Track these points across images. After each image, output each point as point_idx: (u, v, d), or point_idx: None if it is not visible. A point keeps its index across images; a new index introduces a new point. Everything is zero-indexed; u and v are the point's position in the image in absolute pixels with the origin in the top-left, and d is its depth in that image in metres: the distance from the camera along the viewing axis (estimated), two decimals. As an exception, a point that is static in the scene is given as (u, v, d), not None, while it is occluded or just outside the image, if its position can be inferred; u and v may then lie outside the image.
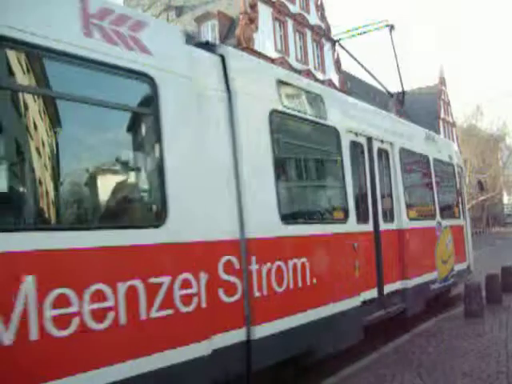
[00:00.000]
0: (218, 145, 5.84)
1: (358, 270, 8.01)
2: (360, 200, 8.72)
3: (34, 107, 4.34)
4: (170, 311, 4.85)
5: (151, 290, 4.70)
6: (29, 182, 4.27)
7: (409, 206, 10.27)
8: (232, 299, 5.65)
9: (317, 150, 7.99)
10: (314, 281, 6.90)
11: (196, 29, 33.08)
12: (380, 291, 8.95)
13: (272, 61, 32.14)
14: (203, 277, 5.21)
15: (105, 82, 4.87)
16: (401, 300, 9.61)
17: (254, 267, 5.91)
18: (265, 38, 32.43)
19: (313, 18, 39.14)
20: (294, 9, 36.59)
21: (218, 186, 5.72)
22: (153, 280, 4.73)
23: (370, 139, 9.18)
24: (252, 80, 6.55)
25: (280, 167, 6.82)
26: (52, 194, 4.40)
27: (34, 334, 3.83)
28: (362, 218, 8.61)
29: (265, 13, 32.94)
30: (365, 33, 12.83)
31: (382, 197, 9.50)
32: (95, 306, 4.22)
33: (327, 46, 39.56)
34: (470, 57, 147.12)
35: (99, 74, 4.72)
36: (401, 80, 14.20)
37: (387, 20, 12.21)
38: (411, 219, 10.21)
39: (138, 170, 5.31)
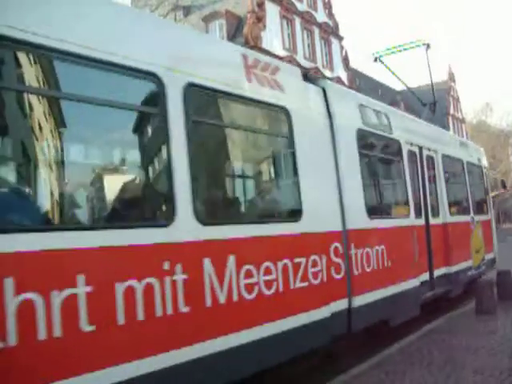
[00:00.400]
0: (328, 158, 7.64)
1: (417, 257, 9.70)
2: (416, 198, 10.26)
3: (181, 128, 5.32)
4: (305, 283, 6.53)
5: (296, 267, 6.37)
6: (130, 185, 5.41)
7: (449, 204, 11.89)
8: (339, 276, 7.33)
9: (386, 159, 9.89)
10: (390, 264, 8.56)
11: (204, 28, 33.09)
12: (431, 275, 10.55)
13: (280, 59, 32.08)
14: (323, 258, 6.93)
15: (258, 113, 6.81)
16: (446, 283, 11.15)
17: (353, 252, 7.65)
18: (272, 37, 32.39)
19: (320, 16, 39.06)
20: (302, 7, 36.52)
21: (328, 192, 7.50)
22: (296, 260, 6.40)
23: (420, 148, 10.87)
24: (343, 105, 8.30)
25: (364, 174, 8.53)
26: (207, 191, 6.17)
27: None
28: (417, 213, 10.20)
29: (272, 11, 32.91)
30: (405, 50, 14.74)
31: (430, 195, 11.12)
32: (267, 277, 5.93)
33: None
34: (479, 52, 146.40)
35: (255, 108, 6.59)
36: (433, 91, 16.36)
37: (424, 40, 14.02)
38: (452, 215, 11.86)
39: (288, 184, 7.14)
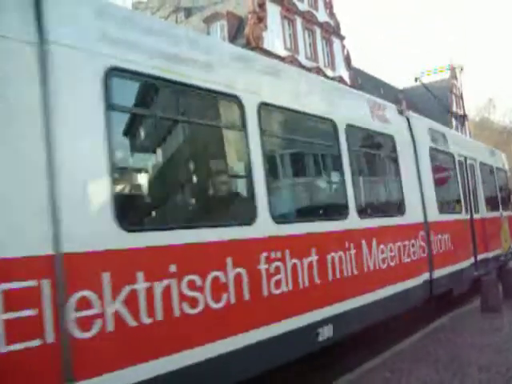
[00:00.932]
0: (414, 170, 10.12)
1: (468, 244, 12.50)
2: (464, 198, 12.70)
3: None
4: (409, 259, 9.20)
5: (404, 248, 9.03)
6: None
7: (486, 202, 14.55)
8: (424, 255, 9.82)
9: (447, 168, 12.20)
10: (453, 248, 11.12)
11: (205, 30, 33.12)
12: (475, 259, 12.76)
13: (282, 59, 32.11)
14: (417, 242, 9.55)
15: (378, 140, 9.43)
16: (485, 266, 13.33)
17: (432, 238, 10.18)
18: (274, 37, 32.38)
19: (322, 15, 39.03)
20: (303, 6, 36.50)
21: (416, 194, 10.00)
22: (404, 242, 9.05)
23: (465, 158, 13.39)
24: (420, 130, 10.86)
25: (435, 180, 10.97)
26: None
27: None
28: (466, 210, 12.71)
29: (273, 11, 32.90)
30: (440, 72, 18.93)
31: (472, 195, 13.62)
32: (392, 253, 8.64)
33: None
34: (481, 49, 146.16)
35: (377, 137, 9.32)
36: (463, 108, 18.49)
37: (459, 65, 15.10)
38: (487, 211, 14.52)
39: (397, 189, 9.58)
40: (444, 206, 11.52)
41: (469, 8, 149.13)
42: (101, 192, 4.61)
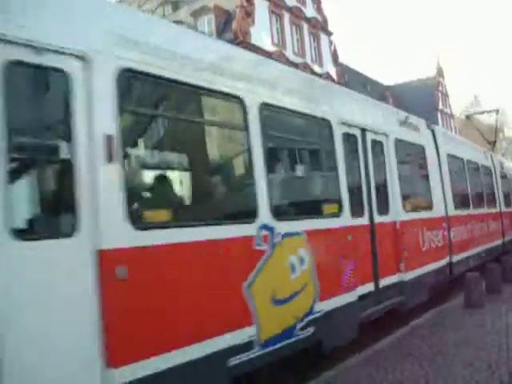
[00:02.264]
0: (437, 172, 12.42)
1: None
2: (470, 196, 15.49)
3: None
4: (438, 244, 11.74)
5: (435, 235, 11.52)
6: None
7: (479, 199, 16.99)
8: (446, 242, 12.15)
9: (458, 171, 14.78)
10: (468, 237, 14.24)
11: (192, 23, 32.95)
12: (489, 247, 16.40)
13: (269, 54, 32.06)
14: (441, 231, 11.90)
15: (410, 149, 11.35)
16: (486, 254, 15.88)
17: (451, 228, 12.60)
18: (261, 32, 32.30)
19: (309, 11, 38.99)
20: (291, 2, 36.43)
21: (439, 192, 12.26)
22: (434, 231, 11.46)
23: (469, 161, 15.97)
24: (442, 140, 13.05)
25: (452, 181, 13.26)
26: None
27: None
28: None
29: (261, 6, 32.82)
30: (481, 114, 22.36)
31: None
32: (428, 239, 11.20)
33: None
34: (468, 48, 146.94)
35: (410, 146, 11.18)
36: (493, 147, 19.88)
37: (496, 108, 15.75)
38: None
39: (427, 188, 11.89)
40: (459, 203, 13.90)
41: (455, 6, 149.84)
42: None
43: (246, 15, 31.11)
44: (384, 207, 9.43)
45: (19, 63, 4.22)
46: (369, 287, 8.57)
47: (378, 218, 9.07)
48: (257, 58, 7.82)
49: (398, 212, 9.71)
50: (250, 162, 6.27)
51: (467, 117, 20.50)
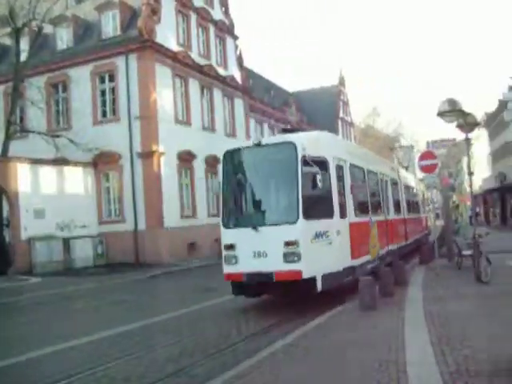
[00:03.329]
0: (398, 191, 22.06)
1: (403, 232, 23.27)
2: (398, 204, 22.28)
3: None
4: (410, 231, 23.77)
5: (416, 223, 27.07)
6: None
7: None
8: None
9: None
10: (410, 230, 23.91)
11: (97, 17, 32.05)
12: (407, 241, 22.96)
13: (174, 54, 31.76)
14: (412, 224, 24.91)
15: (390, 180, 21.32)
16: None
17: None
18: (167, 31, 31.82)
19: (217, 14, 38.94)
20: (198, 3, 36.19)
21: (398, 196, 21.82)
22: (416, 221, 26.85)
23: (396, 181, 22.46)
24: (404, 175, 26.35)
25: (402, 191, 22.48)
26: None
27: None
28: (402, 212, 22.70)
29: (168, 5, 32.34)
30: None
31: (407, 203, 24.88)
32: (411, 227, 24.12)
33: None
34: (369, 58, 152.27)
35: (389, 180, 21.24)
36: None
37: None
38: (404, 213, 23.17)
39: (416, 198, 28.41)
40: (398, 210, 21.48)
41: (359, 19, 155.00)
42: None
43: (151, 13, 30.53)
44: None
45: (309, 159, 11.86)
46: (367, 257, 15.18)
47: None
48: (369, 152, 21.68)
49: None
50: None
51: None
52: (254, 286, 12.50)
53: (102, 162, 30.24)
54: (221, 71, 38.25)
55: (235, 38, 41.76)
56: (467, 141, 16.61)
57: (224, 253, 12.76)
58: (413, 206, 26.72)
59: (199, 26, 36.28)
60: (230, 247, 12.57)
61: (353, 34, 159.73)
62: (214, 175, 35.52)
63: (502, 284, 13.25)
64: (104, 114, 31.03)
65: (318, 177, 11.69)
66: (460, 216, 71.58)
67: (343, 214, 13.20)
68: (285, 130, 16.52)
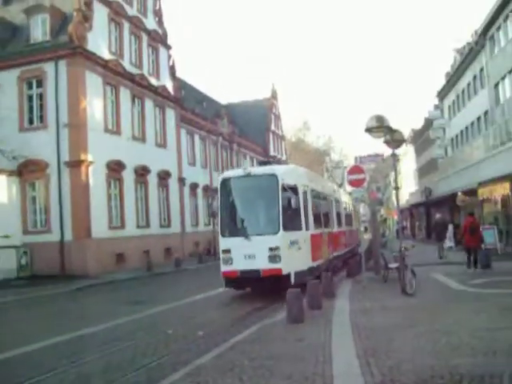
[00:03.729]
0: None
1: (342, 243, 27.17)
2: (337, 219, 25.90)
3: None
4: (347, 241, 27.84)
5: (349, 235, 29.12)
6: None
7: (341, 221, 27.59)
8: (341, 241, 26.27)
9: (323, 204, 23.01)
10: (345, 241, 27.37)
11: (25, 20, 31.12)
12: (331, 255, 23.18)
13: (105, 62, 31.26)
14: (348, 235, 28.79)
15: (335, 199, 26.53)
16: (335, 260, 22.52)
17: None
18: (99, 39, 31.24)
19: (150, 23, 38.63)
20: (132, 11, 35.82)
21: (332, 214, 24.08)
22: (348, 234, 28.80)
23: (337, 199, 26.75)
24: (341, 192, 30.38)
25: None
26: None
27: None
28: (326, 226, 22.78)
29: (100, 12, 31.79)
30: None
31: (345, 217, 29.01)
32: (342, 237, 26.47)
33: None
34: (299, 73, 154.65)
35: (342, 200, 29.74)
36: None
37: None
38: (342, 226, 26.84)
39: (328, 209, 24.34)
40: (327, 224, 22.30)
41: (292, 34, 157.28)
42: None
43: (83, 19, 29.89)
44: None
45: (286, 186, 16.63)
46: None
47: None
48: (321, 178, 33.25)
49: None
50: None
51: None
52: (244, 280, 16.76)
53: (27, 171, 29.15)
54: (153, 81, 37.97)
55: (168, 47, 41.55)
56: (394, 156, 17.04)
57: (222, 256, 16.99)
58: (349, 220, 30.81)
59: (132, 34, 35.91)
60: (227, 251, 16.75)
61: (285, 49, 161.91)
62: (143, 185, 35.16)
63: (426, 296, 13.62)
64: (31, 120, 30.00)
65: (292, 200, 16.36)
66: (388, 229, 73.45)
67: (307, 228, 17.83)
68: (262, 163, 22.75)
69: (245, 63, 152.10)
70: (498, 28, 32.45)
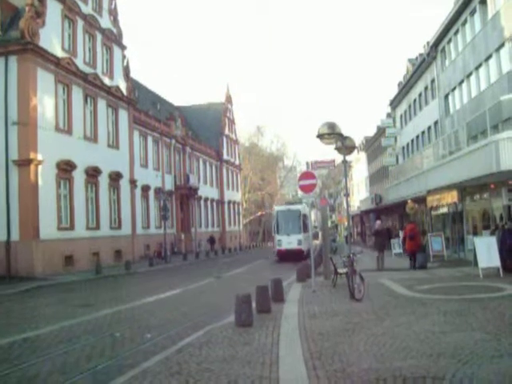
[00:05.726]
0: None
1: None
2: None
3: None
4: (314, 237, 42.71)
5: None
6: None
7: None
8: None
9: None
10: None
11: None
12: None
13: (58, 60, 30.72)
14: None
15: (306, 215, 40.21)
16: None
17: None
18: (52, 35, 30.69)
19: (105, 22, 38.16)
20: (86, 9, 35.32)
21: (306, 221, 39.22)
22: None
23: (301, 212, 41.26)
24: (309, 210, 26.65)
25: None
26: None
27: None
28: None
29: (54, 8, 31.22)
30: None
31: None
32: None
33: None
34: (255, 79, 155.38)
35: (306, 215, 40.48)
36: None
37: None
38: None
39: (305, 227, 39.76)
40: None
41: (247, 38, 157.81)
42: None
43: (35, 15, 29.35)
44: None
45: (302, 214, 39.67)
46: None
47: None
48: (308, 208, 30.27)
49: None
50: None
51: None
52: (286, 252, 38.64)
53: (-28, 169, 28.36)
54: (106, 81, 37.54)
55: (123, 47, 41.16)
56: (345, 163, 17.20)
57: (276, 241, 39.77)
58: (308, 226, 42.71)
59: (86, 33, 35.41)
60: (280, 240, 39.31)
61: (241, 54, 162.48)
62: (94, 186, 34.67)
63: (374, 301, 13.78)
64: (-22, 117, 29.17)
65: (305, 220, 37.83)
66: (338, 235, 74.35)
67: (308, 232, 27.70)
68: (292, 203, 44.50)
69: (200, 67, 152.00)
70: (449, 41, 33.30)
